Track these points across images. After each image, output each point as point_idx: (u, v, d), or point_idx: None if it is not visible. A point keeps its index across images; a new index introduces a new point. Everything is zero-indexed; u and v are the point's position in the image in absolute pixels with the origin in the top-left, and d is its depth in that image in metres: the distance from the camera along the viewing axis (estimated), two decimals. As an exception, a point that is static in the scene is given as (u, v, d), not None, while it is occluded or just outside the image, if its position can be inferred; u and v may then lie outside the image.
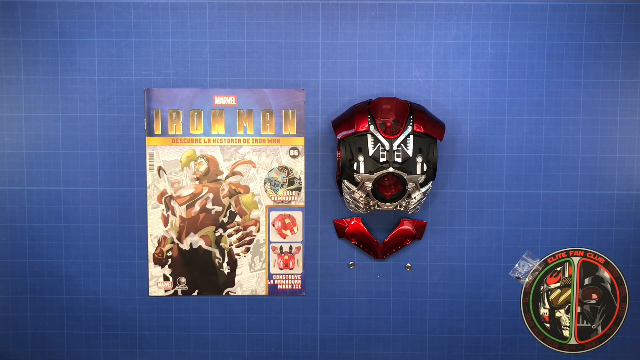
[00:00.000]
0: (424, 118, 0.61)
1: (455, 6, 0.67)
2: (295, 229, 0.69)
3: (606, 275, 0.69)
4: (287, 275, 0.69)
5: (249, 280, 0.69)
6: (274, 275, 0.69)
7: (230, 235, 0.69)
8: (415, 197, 0.62)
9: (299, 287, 0.69)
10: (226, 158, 0.68)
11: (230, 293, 0.69)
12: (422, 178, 0.60)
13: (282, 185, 0.68)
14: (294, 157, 0.68)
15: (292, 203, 0.69)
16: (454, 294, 0.69)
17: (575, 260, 0.69)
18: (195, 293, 0.69)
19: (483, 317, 0.70)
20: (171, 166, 0.68)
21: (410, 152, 0.60)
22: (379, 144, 0.60)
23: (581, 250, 0.69)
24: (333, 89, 0.67)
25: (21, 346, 0.70)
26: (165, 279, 0.69)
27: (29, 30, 0.66)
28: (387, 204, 0.62)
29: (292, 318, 0.70)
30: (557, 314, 0.70)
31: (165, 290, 0.69)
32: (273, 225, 0.69)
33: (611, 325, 0.70)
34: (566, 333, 0.70)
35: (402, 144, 0.60)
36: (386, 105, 0.62)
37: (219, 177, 0.68)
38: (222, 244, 0.69)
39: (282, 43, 0.67)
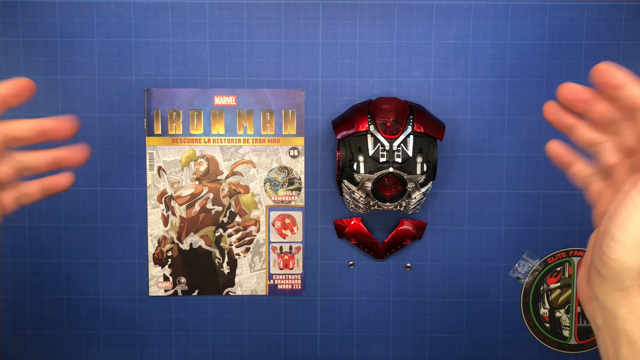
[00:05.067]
0: (424, 118, 0.61)
1: (455, 6, 0.67)
2: (295, 229, 0.69)
3: (606, 275, 0.69)
4: (287, 275, 0.69)
5: (249, 280, 0.69)
6: (274, 275, 0.69)
7: (230, 235, 0.69)
8: (415, 197, 0.62)
9: (299, 287, 0.69)
10: (226, 158, 0.68)
11: (230, 293, 0.69)
12: (422, 178, 0.60)
13: (282, 185, 0.68)
14: (294, 157, 0.68)
15: (292, 203, 0.69)
16: (454, 294, 0.69)
17: (575, 260, 0.69)
18: (195, 293, 0.69)
19: (483, 317, 0.70)
20: (171, 166, 0.68)
21: (410, 152, 0.60)
22: (379, 144, 0.60)
23: (581, 250, 0.69)
24: (333, 89, 0.67)
25: (21, 346, 0.70)
26: (165, 279, 0.69)
27: (29, 30, 0.66)
28: (387, 204, 0.62)
29: (292, 318, 0.70)
30: (557, 314, 0.70)
31: (165, 290, 0.69)
32: (273, 225, 0.69)
33: (611, 325, 0.70)
34: (566, 333, 0.70)
35: (402, 144, 0.60)
36: (386, 105, 0.62)
37: (219, 177, 0.68)
38: (222, 244, 0.69)
39: (282, 43, 0.67)
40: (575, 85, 0.35)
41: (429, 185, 0.62)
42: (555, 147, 0.39)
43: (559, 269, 0.69)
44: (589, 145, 0.36)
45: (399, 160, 0.59)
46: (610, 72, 0.32)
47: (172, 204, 0.68)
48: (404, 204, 0.63)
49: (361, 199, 0.62)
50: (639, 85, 0.31)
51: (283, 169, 0.68)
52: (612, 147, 0.35)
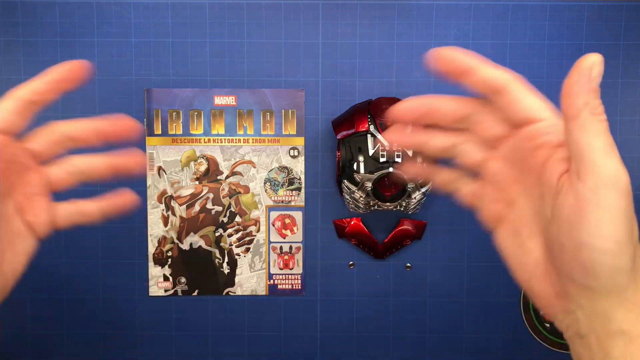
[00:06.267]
0: (424, 118, 0.61)
1: (455, 6, 0.67)
2: (295, 229, 0.69)
3: (606, 275, 0.69)
4: (287, 275, 0.69)
5: (249, 280, 0.69)
6: (274, 275, 0.69)
7: (230, 235, 0.69)
8: (415, 197, 0.62)
9: (299, 287, 0.69)
10: (226, 158, 0.68)
11: (230, 293, 0.69)
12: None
13: (282, 185, 0.68)
14: (294, 157, 0.68)
15: (292, 203, 0.69)
16: (454, 294, 0.69)
17: (576, 260, 0.69)
18: (195, 293, 0.69)
19: (483, 317, 0.70)
20: (171, 166, 0.68)
21: (410, 152, 0.60)
22: (379, 144, 0.60)
23: (581, 250, 0.69)
24: (333, 89, 0.67)
25: (21, 346, 0.70)
26: (165, 279, 0.69)
27: (29, 30, 0.66)
28: (387, 204, 0.62)
29: (292, 318, 0.70)
30: (557, 314, 0.70)
31: (165, 290, 0.69)
32: (273, 225, 0.69)
33: (611, 325, 0.70)
34: (566, 333, 0.70)
35: (402, 144, 0.60)
36: (386, 105, 0.62)
37: (219, 177, 0.68)
38: (222, 244, 0.69)
39: (282, 43, 0.67)
40: (407, 102, 0.32)
41: (429, 185, 0.62)
42: (410, 168, 0.37)
43: (559, 269, 0.69)
44: (444, 153, 0.33)
45: (399, 160, 0.59)
46: (454, 57, 0.30)
47: (172, 204, 0.68)
48: (404, 204, 0.63)
49: (361, 199, 0.62)
50: (489, 65, 0.29)
51: (283, 169, 0.68)
52: (471, 145, 0.33)
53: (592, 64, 0.27)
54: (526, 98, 0.30)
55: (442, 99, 0.32)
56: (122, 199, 0.41)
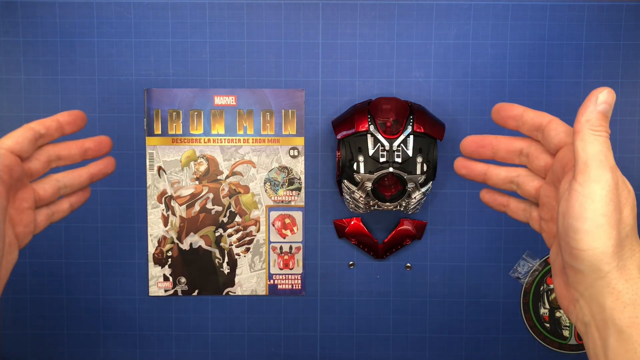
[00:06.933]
0: (424, 118, 0.61)
1: (455, 6, 0.67)
2: (295, 229, 0.69)
3: (606, 275, 0.69)
4: (287, 275, 0.69)
5: (249, 280, 0.69)
6: (274, 275, 0.69)
7: (230, 235, 0.69)
8: (415, 197, 0.62)
9: (299, 287, 0.69)
10: (226, 158, 0.68)
11: (230, 293, 0.69)
12: (422, 178, 0.60)
13: (282, 185, 0.68)
14: (294, 157, 0.68)
15: (292, 203, 0.69)
16: (454, 294, 0.70)
17: (576, 260, 0.69)
18: (195, 293, 0.69)
19: (483, 317, 0.70)
20: (171, 166, 0.68)
21: (410, 152, 0.60)
22: (379, 144, 0.60)
23: (581, 250, 0.69)
24: (333, 89, 0.68)
25: (21, 346, 0.70)
26: (165, 279, 0.69)
27: (29, 30, 0.66)
28: (387, 204, 0.62)
29: (292, 318, 0.70)
30: (557, 314, 0.70)
31: (165, 290, 0.69)
32: (273, 225, 0.69)
33: (611, 325, 0.70)
34: (566, 333, 0.70)
35: (402, 144, 0.60)
36: (386, 105, 0.62)
37: (219, 177, 0.68)
38: (222, 244, 0.69)
39: (282, 43, 0.67)
40: (474, 135, 0.41)
41: (429, 185, 0.62)
42: (487, 195, 0.44)
43: (559, 269, 0.69)
44: (507, 182, 0.41)
45: (399, 160, 0.59)
46: (507, 107, 0.39)
47: (172, 204, 0.68)
48: (404, 204, 0.63)
49: (361, 199, 0.62)
50: (532, 110, 0.38)
51: (283, 169, 0.68)
52: (527, 176, 0.40)
53: (600, 92, 0.32)
54: (560, 126, 0.36)
55: (499, 136, 0.40)
56: (85, 193, 0.49)
